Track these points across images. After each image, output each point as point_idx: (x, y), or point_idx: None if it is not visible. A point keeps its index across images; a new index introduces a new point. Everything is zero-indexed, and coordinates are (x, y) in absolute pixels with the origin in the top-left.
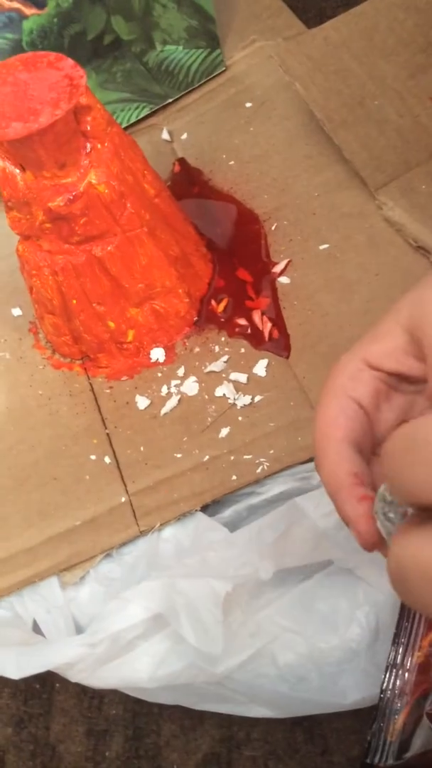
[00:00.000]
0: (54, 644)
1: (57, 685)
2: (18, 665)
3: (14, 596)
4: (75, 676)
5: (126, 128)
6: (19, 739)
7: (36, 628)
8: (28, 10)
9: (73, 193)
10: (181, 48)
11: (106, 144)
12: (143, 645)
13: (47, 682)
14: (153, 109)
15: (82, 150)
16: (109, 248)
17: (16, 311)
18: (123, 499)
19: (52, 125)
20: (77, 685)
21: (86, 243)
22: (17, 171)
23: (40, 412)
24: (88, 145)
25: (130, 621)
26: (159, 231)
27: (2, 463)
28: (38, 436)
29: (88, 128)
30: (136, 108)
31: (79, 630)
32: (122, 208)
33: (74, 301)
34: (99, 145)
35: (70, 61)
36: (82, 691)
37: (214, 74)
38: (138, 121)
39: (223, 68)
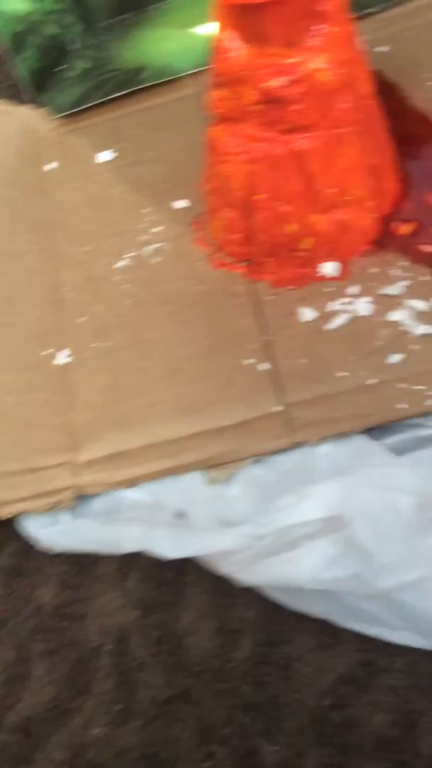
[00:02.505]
0: (212, 531)
1: (190, 577)
2: (174, 545)
3: (156, 484)
4: (227, 567)
5: None
6: (145, 624)
7: (177, 519)
8: None
9: (296, 75)
10: None
11: (338, 29)
12: (310, 545)
13: (180, 573)
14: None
15: (313, 31)
16: (314, 143)
17: (180, 203)
18: (278, 408)
19: None
20: (211, 581)
21: (292, 133)
22: (238, 44)
23: (197, 308)
24: (320, 26)
25: (304, 517)
26: (366, 135)
27: (154, 351)
28: (193, 331)
29: (326, 8)
30: None
31: (225, 526)
32: (339, 101)
33: (261, 196)
34: (331, 29)
35: None
36: (217, 588)
37: None
38: None
39: None
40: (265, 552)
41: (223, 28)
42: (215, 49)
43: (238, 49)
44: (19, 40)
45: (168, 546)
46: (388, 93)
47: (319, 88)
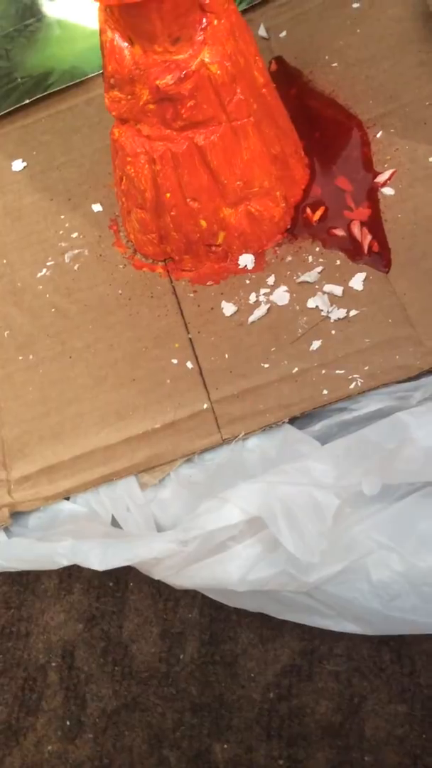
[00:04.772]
0: (142, 539)
1: (131, 584)
2: (103, 557)
3: (90, 493)
4: (160, 573)
5: None
6: (90, 636)
7: (114, 525)
8: None
9: (184, 72)
10: None
11: (222, 21)
12: (236, 547)
13: (121, 581)
14: (251, 3)
15: (198, 25)
16: (212, 137)
17: (96, 207)
18: (205, 406)
19: None
20: (152, 586)
21: (189, 129)
22: (125, 44)
23: (119, 313)
24: (204, 20)
25: (226, 521)
26: (264, 124)
27: (80, 361)
28: (117, 336)
29: (209, 1)
30: (236, 2)
31: (159, 529)
32: (232, 93)
33: (168, 195)
34: (216, 21)
35: None
36: (158, 592)
37: None
38: None
39: None
40: (194, 557)
41: (110, 29)
42: (105, 51)
43: (125, 49)
44: None
45: (97, 558)
46: (291, 79)
47: (210, 83)
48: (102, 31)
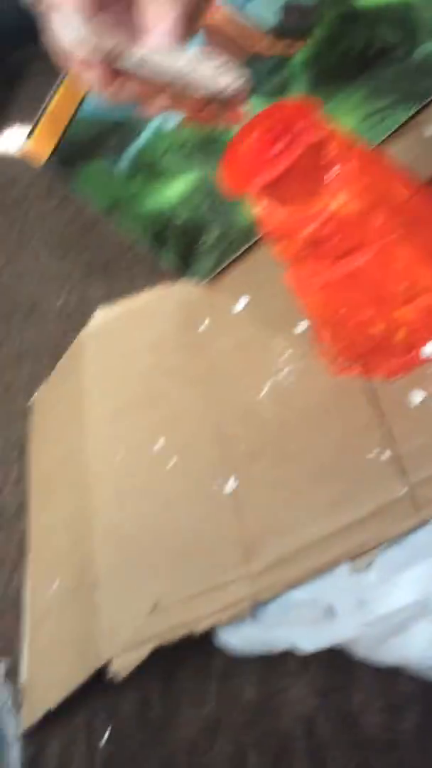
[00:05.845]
0: (336, 623)
1: (356, 660)
2: (308, 640)
3: (313, 581)
4: (359, 652)
5: (394, 132)
6: (327, 708)
7: (330, 610)
8: (291, 49)
9: (323, 218)
10: None
11: (351, 162)
12: (413, 627)
13: (344, 656)
14: (419, 108)
15: (328, 176)
16: (365, 258)
17: (302, 325)
18: (404, 490)
19: (294, 163)
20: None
21: (342, 259)
22: (274, 209)
23: (325, 416)
24: (333, 171)
25: (397, 605)
26: (415, 232)
27: (296, 463)
28: (324, 437)
29: (331, 155)
30: (403, 109)
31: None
32: (372, 219)
33: (342, 311)
34: (344, 168)
35: (302, 101)
36: (378, 668)
37: None
38: (406, 122)
39: None
40: (381, 636)
41: (256, 200)
42: (257, 217)
43: (272, 213)
44: (159, 237)
45: (306, 641)
46: None
47: (347, 219)
48: (252, 204)
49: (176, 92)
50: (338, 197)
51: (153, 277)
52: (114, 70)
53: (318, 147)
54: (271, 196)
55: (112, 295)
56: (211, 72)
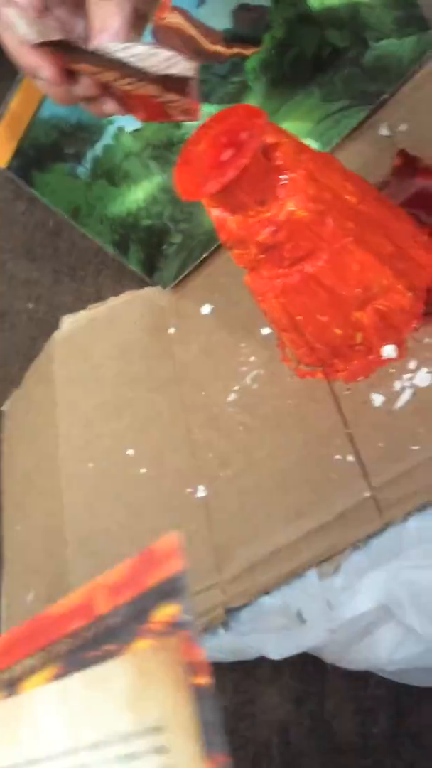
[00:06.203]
0: (304, 630)
1: (328, 665)
2: (277, 647)
3: (284, 587)
4: (328, 658)
5: (349, 134)
6: (298, 715)
7: (300, 616)
8: (247, 51)
9: (276, 225)
10: (394, 39)
11: (299, 171)
12: (378, 631)
13: (318, 664)
14: (371, 109)
15: (277, 183)
16: (319, 263)
17: (265, 330)
18: (367, 494)
19: (243, 171)
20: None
21: (297, 264)
22: (227, 215)
23: (291, 420)
24: (282, 176)
25: (360, 610)
26: (367, 235)
27: (263, 467)
28: (290, 442)
29: (280, 162)
30: (356, 112)
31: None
32: (323, 225)
33: (299, 317)
34: (292, 175)
35: (250, 107)
36: (349, 673)
37: (426, 53)
38: (360, 124)
39: None
40: (346, 642)
41: (212, 207)
42: (215, 224)
43: (228, 219)
44: (122, 245)
45: (273, 648)
46: (415, 168)
47: (300, 224)
48: (207, 210)
49: (126, 87)
50: (288, 204)
51: (120, 282)
52: (64, 69)
53: (267, 154)
54: (221, 203)
55: (80, 300)
56: (161, 64)
